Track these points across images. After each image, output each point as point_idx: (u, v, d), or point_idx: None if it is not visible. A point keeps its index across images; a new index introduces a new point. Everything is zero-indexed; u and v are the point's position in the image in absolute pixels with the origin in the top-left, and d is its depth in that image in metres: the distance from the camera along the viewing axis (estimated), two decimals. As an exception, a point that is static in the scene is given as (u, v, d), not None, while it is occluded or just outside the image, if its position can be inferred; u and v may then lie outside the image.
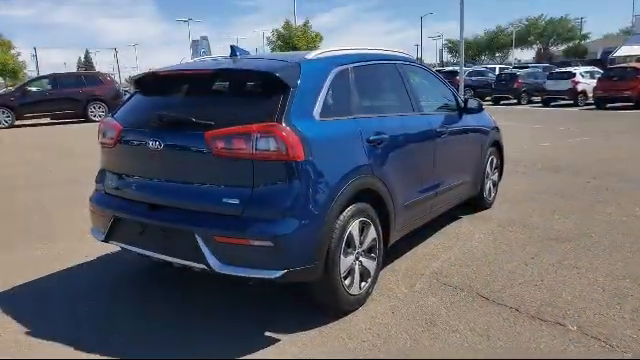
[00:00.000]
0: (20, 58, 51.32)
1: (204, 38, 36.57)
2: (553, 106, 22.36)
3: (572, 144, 10.80)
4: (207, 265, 2.85)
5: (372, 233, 3.39)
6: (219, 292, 3.61)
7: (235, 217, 2.82)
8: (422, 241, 4.61)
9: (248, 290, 3.53)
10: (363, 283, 3.35)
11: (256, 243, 2.76)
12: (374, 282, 3.50)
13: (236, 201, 2.82)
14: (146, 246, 3.18)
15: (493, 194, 5.82)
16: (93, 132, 12.95)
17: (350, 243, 3.17)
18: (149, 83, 3.55)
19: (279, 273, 2.78)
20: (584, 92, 21.43)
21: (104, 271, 4.14)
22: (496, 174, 5.87)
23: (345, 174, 3.08)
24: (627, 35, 53.58)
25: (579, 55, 57.94)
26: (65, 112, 19.08)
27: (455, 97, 4.95)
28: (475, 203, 5.52)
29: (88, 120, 19.23)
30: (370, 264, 3.41)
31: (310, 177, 2.87)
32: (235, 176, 2.86)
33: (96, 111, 19.39)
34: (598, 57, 49.04)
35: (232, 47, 3.63)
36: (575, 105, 21.44)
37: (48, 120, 19.64)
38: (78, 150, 11.60)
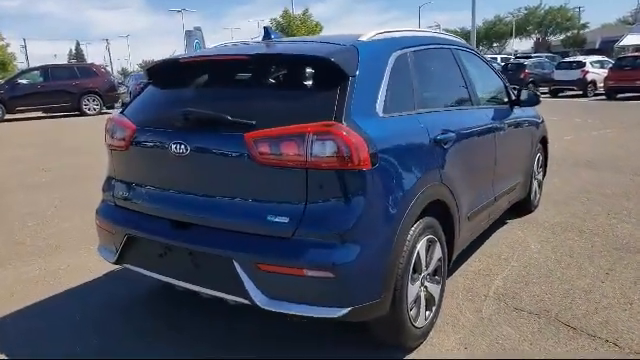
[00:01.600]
0: (9, 50, 50.19)
1: (197, 29, 35.48)
2: (561, 97, 21.81)
3: (596, 137, 10.26)
4: (249, 300, 2.28)
5: (438, 252, 2.83)
6: (258, 318, 3.03)
7: (284, 240, 2.24)
8: (471, 253, 4.04)
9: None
10: (428, 312, 2.79)
11: (312, 274, 2.18)
12: (438, 310, 2.94)
13: (285, 219, 2.23)
14: (168, 272, 2.60)
15: (538, 195, 5.26)
16: (88, 126, 12.32)
17: (417, 267, 2.61)
18: (167, 73, 2.94)
19: (343, 311, 2.20)
20: (594, 82, 20.89)
21: (114, 292, 3.54)
22: (541, 173, 5.31)
23: (415, 183, 2.51)
24: (625, 25, 53.09)
25: (578, 45, 57.33)
26: (58, 105, 18.31)
27: (506, 87, 4.37)
28: (520, 206, 4.94)
29: (82, 114, 18.54)
30: (435, 289, 2.85)
31: (378, 189, 2.29)
32: (283, 188, 2.28)
33: (90, 104, 18.66)
34: (597, 47, 48.50)
35: (265, 29, 3.03)
36: (584, 96, 20.90)
37: (40, 114, 18.91)
38: (74, 146, 10.95)
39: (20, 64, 56.03)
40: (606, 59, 23.08)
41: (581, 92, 21.09)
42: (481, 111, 3.65)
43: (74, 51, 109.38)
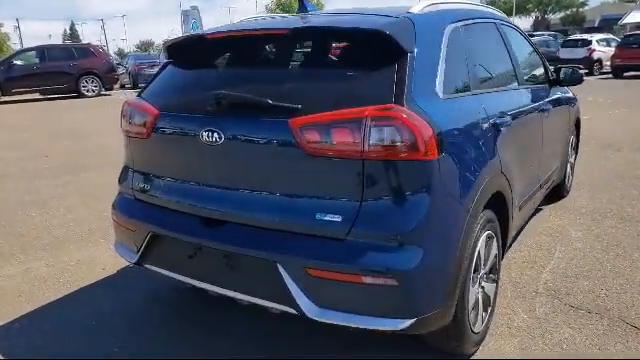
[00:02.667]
0: (2, 30, 49.26)
1: (194, 8, 34.75)
2: (567, 75, 21.41)
3: (613, 117, 9.96)
4: (296, 309, 2.00)
5: (494, 248, 2.56)
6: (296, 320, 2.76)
7: (337, 241, 1.95)
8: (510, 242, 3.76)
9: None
10: (484, 314, 2.53)
11: (371, 280, 1.90)
12: (493, 311, 2.68)
13: (337, 218, 1.94)
14: (199, 275, 2.32)
15: (571, 178, 4.98)
16: (87, 109, 11.94)
17: (477, 266, 2.33)
18: (191, 51, 2.61)
19: (407, 323, 1.92)
20: (600, 60, 20.54)
21: (131, 291, 3.26)
22: (573, 155, 5.03)
23: (479, 174, 2.23)
24: (625, 2, 52.36)
25: (577, 23, 56.67)
26: (55, 87, 17.82)
27: (545, 65, 4.06)
28: (553, 191, 4.65)
29: (80, 95, 18.08)
30: (491, 289, 2.59)
31: (444, 182, 2.00)
32: (335, 182, 1.98)
33: (89, 85, 18.19)
34: (596, 25, 47.92)
35: (301, 0, 2.70)
36: (590, 74, 20.51)
37: (37, 96, 18.45)
38: (74, 129, 10.60)
39: (14, 45, 55.03)
40: (612, 37, 22.69)
41: (587, 70, 20.68)
42: (527, 91, 3.36)
43: (69, 31, 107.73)
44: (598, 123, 9.17)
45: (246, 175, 2.15)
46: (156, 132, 2.41)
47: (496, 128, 2.49)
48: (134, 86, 23.03)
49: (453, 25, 2.49)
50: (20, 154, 8.05)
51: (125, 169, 2.73)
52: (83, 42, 33.25)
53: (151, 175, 2.52)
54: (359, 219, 1.92)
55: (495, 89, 2.82)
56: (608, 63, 19.79)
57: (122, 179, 2.74)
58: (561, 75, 4.00)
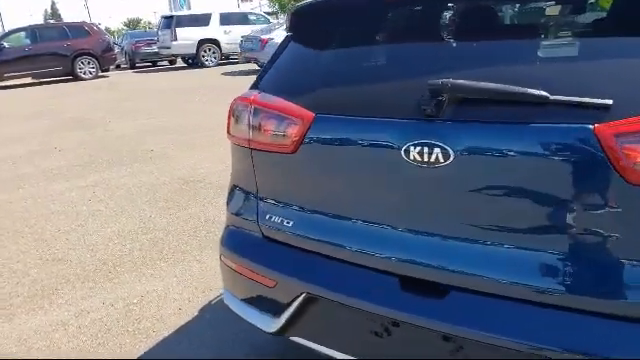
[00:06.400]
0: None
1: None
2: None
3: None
4: None
5: None
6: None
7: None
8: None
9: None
10: None
11: None
12: None
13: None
14: (395, 364, 1.52)
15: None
16: (87, 93, 10.78)
17: None
18: (348, 18, 1.76)
19: None
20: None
21: (238, 344, 2.46)
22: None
23: None
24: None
25: None
26: (49, 70, 16.64)
27: None
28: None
29: (76, 78, 16.97)
30: None
31: None
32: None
33: (85, 67, 17.06)
34: None
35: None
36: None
37: (30, 80, 17.32)
38: (79, 117, 9.66)
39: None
40: None
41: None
42: None
43: (49, 10, 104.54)
44: None
45: (497, 217, 1.34)
46: (309, 145, 1.59)
47: None
48: (132, 66, 21.91)
49: None
50: (28, 148, 7.16)
51: (240, 193, 1.92)
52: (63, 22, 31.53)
53: (297, 207, 1.71)
54: None
55: None
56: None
57: (235, 207, 1.93)
58: None
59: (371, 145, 1.47)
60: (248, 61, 16.60)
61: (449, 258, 1.38)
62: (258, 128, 1.73)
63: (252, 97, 1.77)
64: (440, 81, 1.31)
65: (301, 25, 1.87)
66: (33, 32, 16.90)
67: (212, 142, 6.55)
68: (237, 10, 19.93)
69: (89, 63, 17.01)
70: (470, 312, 1.36)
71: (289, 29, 1.93)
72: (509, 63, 1.38)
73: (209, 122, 7.89)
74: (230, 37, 18.64)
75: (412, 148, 1.35)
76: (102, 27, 22.01)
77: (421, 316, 1.42)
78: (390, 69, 1.59)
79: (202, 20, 18.73)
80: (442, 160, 1.32)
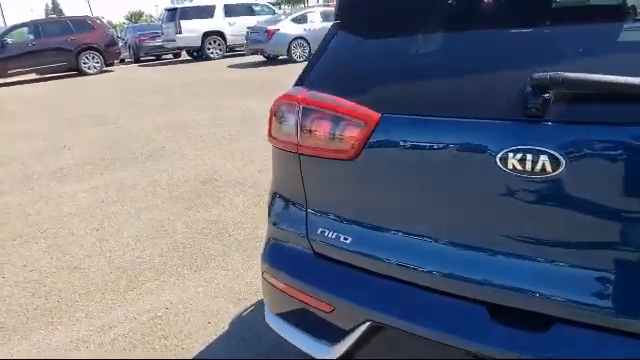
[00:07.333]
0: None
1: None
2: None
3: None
4: None
5: None
6: None
7: None
8: None
9: None
10: None
11: None
12: None
13: None
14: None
15: None
16: (93, 88, 10.55)
17: None
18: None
19: None
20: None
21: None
22: None
23: None
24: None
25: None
26: (54, 65, 16.40)
27: None
28: None
29: (81, 73, 16.74)
30: None
31: None
32: None
33: (90, 62, 16.80)
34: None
35: None
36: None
37: (34, 76, 17.10)
38: (86, 114, 9.44)
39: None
40: None
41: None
42: None
43: (50, 5, 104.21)
44: None
45: (618, 239, 1.11)
46: (373, 150, 1.37)
47: None
48: (136, 60, 21.66)
49: None
50: (36, 147, 6.96)
51: (284, 203, 1.71)
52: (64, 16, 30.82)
53: (357, 221, 1.49)
54: None
55: None
56: None
57: (279, 218, 1.72)
58: None
59: (454, 151, 1.25)
60: (254, 53, 16.34)
61: (556, 286, 1.17)
62: (308, 131, 1.51)
63: (300, 95, 1.55)
64: (548, 75, 1.08)
65: (355, 9, 1.64)
66: (36, 27, 16.63)
67: (225, 138, 6.33)
68: (241, 1, 19.44)
69: (93, 58, 16.75)
70: (579, 348, 1.15)
71: (337, 15, 1.70)
72: (632, 50, 1.15)
73: (220, 117, 7.67)
74: (235, 29, 18.37)
75: (510, 155, 1.13)
76: (105, 21, 21.71)
77: (515, 351, 1.20)
78: (475, 59, 1.35)
79: (206, 12, 18.43)
80: (550, 170, 1.10)
